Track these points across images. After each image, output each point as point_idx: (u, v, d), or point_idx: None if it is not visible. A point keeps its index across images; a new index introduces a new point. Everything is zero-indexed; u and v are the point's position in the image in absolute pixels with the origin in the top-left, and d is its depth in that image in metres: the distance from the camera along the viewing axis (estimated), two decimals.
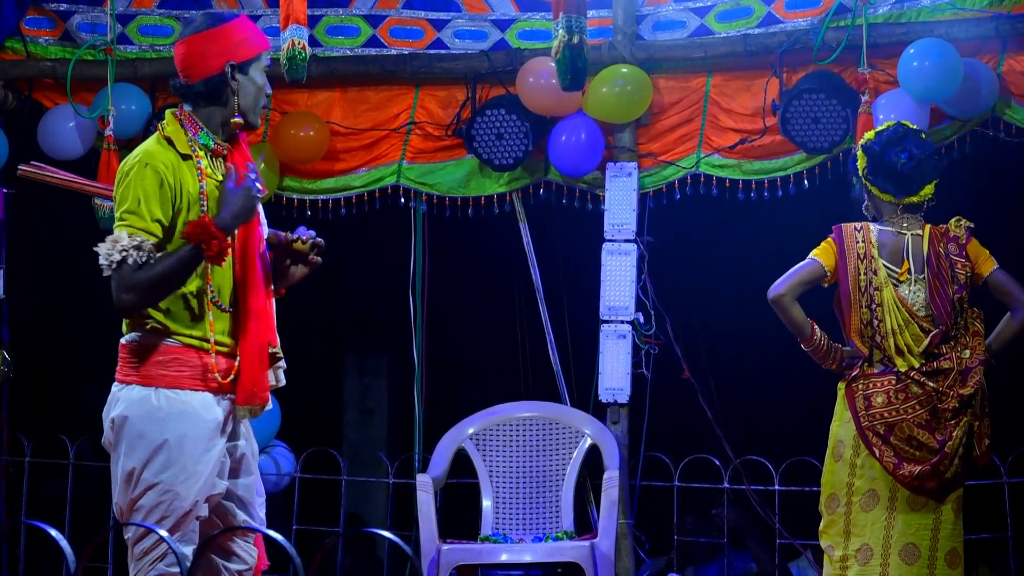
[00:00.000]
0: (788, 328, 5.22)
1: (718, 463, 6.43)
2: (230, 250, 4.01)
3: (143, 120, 6.66)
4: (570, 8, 5.28)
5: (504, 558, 5.88)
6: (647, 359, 6.43)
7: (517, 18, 6.67)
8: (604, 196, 6.51)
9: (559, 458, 6.24)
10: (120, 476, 3.98)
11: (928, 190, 5.16)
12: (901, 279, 5.13)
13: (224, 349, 4.03)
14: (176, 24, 6.78)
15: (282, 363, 4.15)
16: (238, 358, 4.03)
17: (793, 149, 6.27)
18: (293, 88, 6.43)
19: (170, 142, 4.04)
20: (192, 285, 3.99)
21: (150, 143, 4.06)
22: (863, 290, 5.12)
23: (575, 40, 5.29)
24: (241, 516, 4.09)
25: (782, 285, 5.16)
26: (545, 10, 6.50)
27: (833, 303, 5.23)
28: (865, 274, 5.12)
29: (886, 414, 5.05)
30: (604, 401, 6.42)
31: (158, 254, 3.92)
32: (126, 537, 3.98)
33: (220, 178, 4.07)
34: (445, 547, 5.82)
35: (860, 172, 5.21)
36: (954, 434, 5.00)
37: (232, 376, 4.02)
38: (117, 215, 3.96)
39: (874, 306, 5.10)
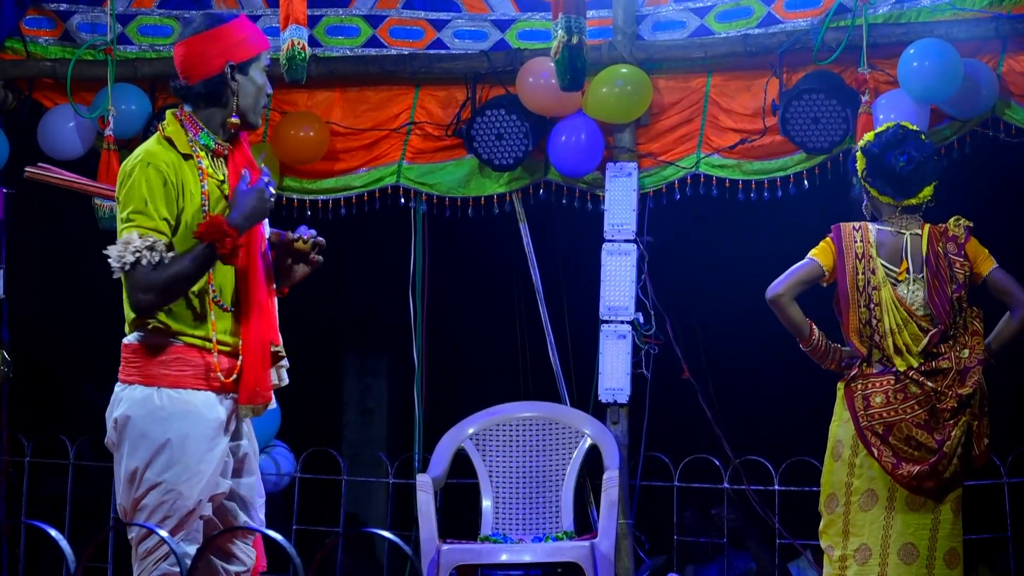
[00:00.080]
0: (786, 328, 5.23)
1: (718, 463, 6.43)
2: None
3: (143, 120, 6.66)
4: (569, 8, 5.28)
5: (504, 558, 5.88)
6: (647, 359, 6.43)
7: (517, 18, 6.68)
8: (604, 196, 6.52)
9: (559, 458, 6.24)
10: (123, 476, 3.98)
11: (927, 192, 5.16)
12: (900, 278, 5.13)
13: (226, 348, 4.03)
14: (176, 24, 6.78)
15: (285, 362, 4.16)
16: (240, 357, 4.03)
17: (793, 149, 6.27)
18: (293, 88, 6.43)
19: (171, 142, 4.04)
20: (195, 285, 4.00)
21: (151, 143, 4.06)
22: (861, 289, 5.12)
23: (574, 40, 5.29)
24: (242, 518, 4.09)
25: (780, 285, 5.17)
26: (545, 10, 6.50)
27: (832, 303, 5.23)
28: (863, 273, 5.12)
29: (885, 414, 5.05)
30: (604, 401, 6.42)
31: (169, 253, 3.93)
32: (130, 537, 3.99)
33: (221, 178, 4.08)
34: (445, 547, 5.82)
35: (859, 174, 5.21)
36: (953, 434, 5.01)
37: (235, 375, 4.02)
38: (123, 216, 3.95)
39: (872, 305, 5.10)
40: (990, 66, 6.02)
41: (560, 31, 5.30)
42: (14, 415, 6.24)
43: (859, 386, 5.11)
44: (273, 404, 4.12)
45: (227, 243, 3.93)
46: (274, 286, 4.16)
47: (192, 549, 3.89)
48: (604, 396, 6.42)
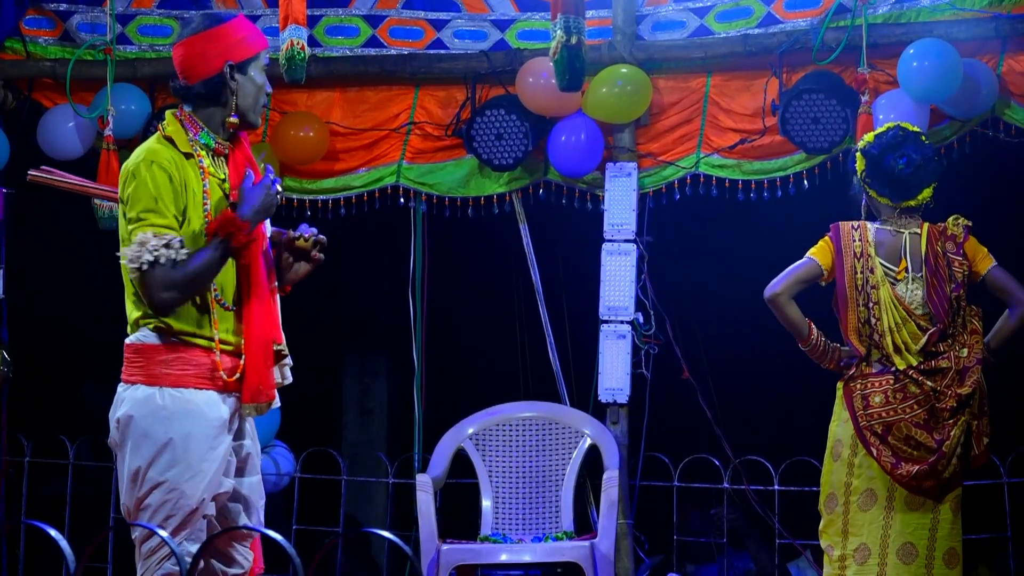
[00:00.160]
0: (785, 328, 5.23)
1: (718, 463, 6.43)
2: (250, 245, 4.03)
3: (143, 120, 6.66)
4: (568, 9, 5.27)
5: (504, 558, 5.88)
6: (647, 359, 6.43)
7: (517, 18, 6.67)
8: (604, 196, 6.52)
9: (559, 458, 6.24)
10: (126, 476, 3.98)
11: (926, 194, 5.16)
12: (898, 277, 5.13)
13: (228, 348, 4.03)
14: (176, 24, 6.78)
15: (288, 360, 4.16)
16: (243, 356, 4.03)
17: (793, 149, 6.27)
18: (293, 88, 6.42)
19: (171, 141, 4.05)
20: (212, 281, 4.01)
21: (152, 142, 4.06)
22: (860, 288, 5.12)
23: (573, 41, 5.28)
24: (244, 520, 4.09)
25: (778, 284, 5.17)
26: (545, 10, 6.50)
27: (831, 302, 5.23)
28: (862, 272, 5.12)
29: (884, 414, 5.05)
30: (604, 401, 6.42)
31: (184, 250, 3.93)
32: (133, 536, 3.99)
33: (223, 176, 4.09)
34: (445, 547, 5.82)
35: (859, 174, 5.21)
36: (952, 433, 5.01)
37: (238, 374, 4.02)
38: (132, 215, 3.94)
39: (871, 304, 5.10)
40: (990, 66, 6.02)
41: (559, 31, 5.29)
42: (14, 415, 6.25)
43: (858, 386, 5.11)
44: (277, 403, 4.12)
45: (240, 237, 3.95)
46: (276, 284, 4.16)
47: (195, 548, 3.89)
48: (604, 396, 6.42)
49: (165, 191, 3.94)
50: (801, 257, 5.21)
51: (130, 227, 3.94)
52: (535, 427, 6.29)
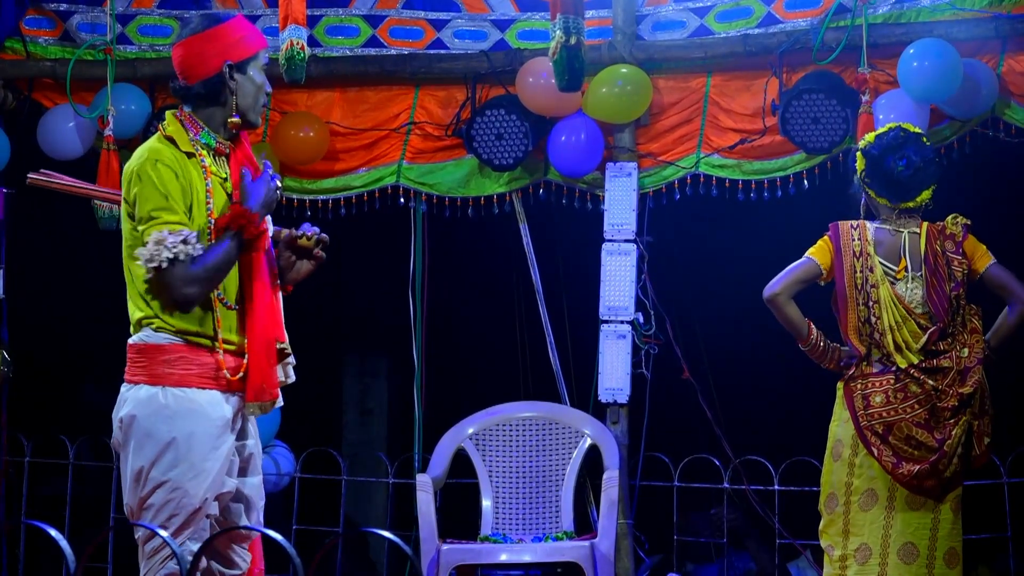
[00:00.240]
0: (784, 328, 5.23)
1: (718, 463, 6.43)
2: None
3: (143, 120, 6.66)
4: (567, 9, 5.27)
5: (504, 558, 5.88)
6: (647, 359, 6.43)
7: (517, 18, 6.68)
8: (604, 196, 6.52)
9: (559, 458, 6.24)
10: (129, 475, 3.98)
11: (925, 195, 5.16)
12: (898, 277, 5.13)
13: (231, 347, 4.03)
14: (175, 24, 6.78)
15: (291, 359, 4.16)
16: (246, 355, 4.03)
17: (793, 149, 6.27)
18: (293, 88, 6.42)
19: (172, 141, 4.05)
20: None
21: (153, 142, 4.06)
22: (859, 288, 5.12)
23: (572, 41, 5.27)
24: (244, 521, 4.08)
25: (777, 284, 5.17)
26: (545, 10, 6.50)
27: (831, 301, 5.23)
28: (861, 272, 5.12)
29: (884, 413, 5.05)
30: (604, 401, 6.42)
31: (200, 245, 3.93)
32: (136, 536, 3.99)
33: (224, 176, 4.09)
34: (445, 547, 5.82)
35: (858, 174, 5.21)
36: (953, 433, 5.00)
37: (241, 374, 4.02)
38: (143, 215, 3.93)
39: (871, 303, 5.10)
40: (990, 66, 6.02)
41: (558, 31, 5.29)
42: (14, 415, 6.25)
43: (858, 386, 5.11)
44: (280, 401, 4.12)
45: (252, 229, 3.99)
46: (278, 283, 4.17)
47: (198, 547, 3.89)
48: (604, 396, 6.42)
49: (173, 188, 3.95)
50: (801, 257, 5.21)
51: (141, 227, 3.93)
52: (535, 427, 6.29)
